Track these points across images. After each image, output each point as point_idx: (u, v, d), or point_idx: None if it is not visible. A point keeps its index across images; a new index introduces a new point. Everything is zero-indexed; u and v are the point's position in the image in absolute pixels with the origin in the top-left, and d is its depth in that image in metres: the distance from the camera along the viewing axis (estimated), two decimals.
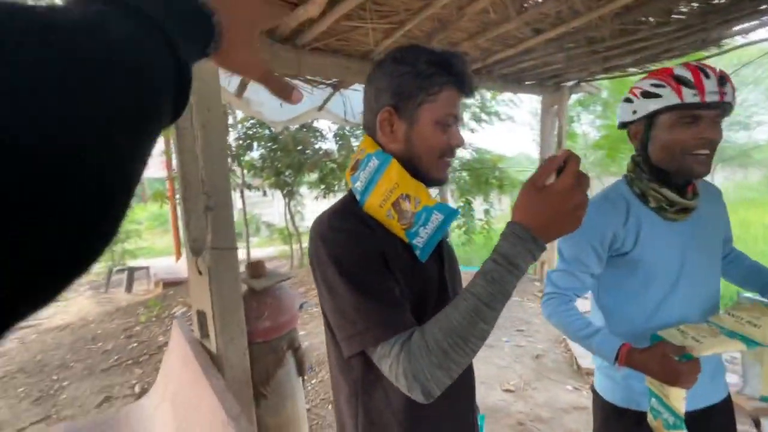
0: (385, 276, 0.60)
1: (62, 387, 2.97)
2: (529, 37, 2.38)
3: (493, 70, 2.90)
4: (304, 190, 7.32)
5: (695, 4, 2.23)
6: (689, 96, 0.82)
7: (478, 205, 7.88)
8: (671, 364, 0.79)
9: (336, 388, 0.74)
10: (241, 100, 2.36)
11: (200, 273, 1.65)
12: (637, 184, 0.94)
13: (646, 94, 0.87)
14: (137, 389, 2.83)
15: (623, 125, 0.97)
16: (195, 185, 1.66)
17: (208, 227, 1.59)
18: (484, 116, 8.11)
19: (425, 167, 0.67)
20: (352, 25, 1.87)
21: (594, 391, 1.06)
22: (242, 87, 2.32)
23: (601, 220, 0.93)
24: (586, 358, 2.60)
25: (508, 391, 2.36)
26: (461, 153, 8.07)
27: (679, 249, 0.92)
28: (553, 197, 0.50)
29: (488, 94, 7.61)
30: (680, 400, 0.80)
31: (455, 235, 8.16)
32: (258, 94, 2.41)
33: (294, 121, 2.82)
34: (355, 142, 6.51)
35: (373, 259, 0.60)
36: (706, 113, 0.84)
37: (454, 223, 8.02)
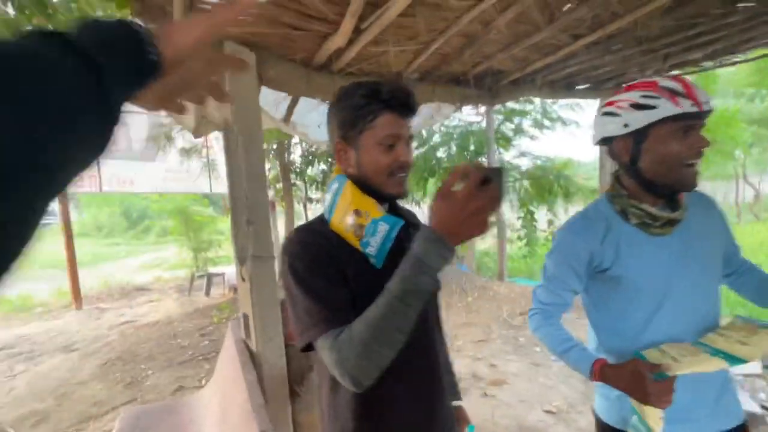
0: (332, 281, 0.68)
1: (147, 375, 3.45)
2: (568, 44, 2.30)
3: (536, 78, 2.82)
4: None
5: None
6: (687, 106, 0.81)
7: (543, 215, 7.48)
8: (641, 381, 0.78)
9: (319, 382, 0.83)
10: (288, 125, 2.61)
11: (243, 280, 1.86)
12: (618, 201, 0.93)
13: (638, 106, 0.85)
14: (204, 382, 3.19)
15: (605, 140, 0.94)
16: (240, 201, 1.89)
17: (250, 239, 1.79)
18: (546, 122, 7.70)
19: (377, 185, 0.75)
20: (379, 50, 2.00)
21: (593, 412, 1.02)
22: (289, 112, 2.56)
23: (577, 239, 0.94)
24: None
25: (549, 412, 2.24)
26: (520, 162, 7.76)
27: (666, 264, 0.88)
28: (455, 204, 0.56)
29: (548, 100, 7.25)
30: (656, 419, 0.77)
31: (515, 247, 7.82)
32: (303, 117, 2.64)
33: None
34: None
35: (322, 267, 0.69)
36: (698, 123, 0.84)
37: (514, 235, 7.69)
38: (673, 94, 0.81)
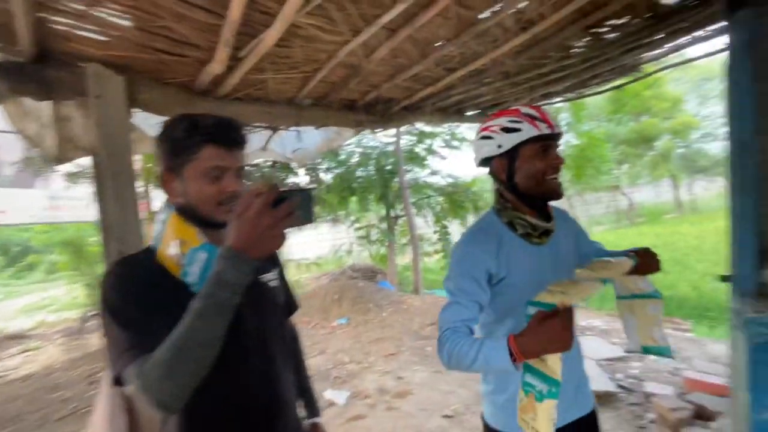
0: (145, 311, 0.68)
1: None
2: (444, 76, 2.57)
3: (424, 106, 3.09)
4: None
5: (587, 40, 2.45)
6: (544, 128, 0.96)
7: (456, 228, 7.98)
8: (549, 324, 0.76)
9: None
10: None
11: None
12: (505, 214, 1.03)
13: (507, 130, 0.97)
14: None
15: (485, 161, 1.06)
16: (111, 229, 1.76)
17: None
18: (455, 143, 8.32)
19: (205, 214, 0.77)
20: (262, 77, 2.04)
21: (482, 419, 1.10)
22: None
23: (476, 250, 0.99)
24: None
25: (446, 416, 2.37)
26: (435, 180, 8.27)
27: (545, 269, 1.01)
28: (247, 221, 0.59)
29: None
30: (557, 362, 0.78)
31: (434, 261, 8.20)
32: None
33: None
34: (323, 175, 6.72)
35: (135, 297, 0.69)
36: (554, 143, 1.00)
37: (431, 248, 8.09)
38: (532, 119, 0.96)
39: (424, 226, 7.97)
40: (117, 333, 0.67)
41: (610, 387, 2.60)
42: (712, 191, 18.58)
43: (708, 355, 3.07)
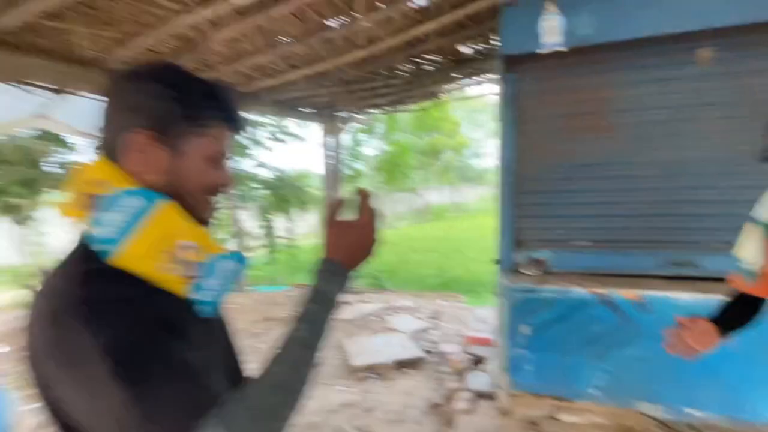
0: (176, 348, 0.48)
1: None
2: (286, 71, 2.58)
3: (260, 96, 3.00)
4: (45, 214, 5.52)
5: (409, 66, 2.94)
6: None
7: (281, 223, 7.90)
8: None
9: None
10: None
11: None
12: None
13: None
14: None
15: None
16: None
17: None
18: (280, 136, 8.20)
19: (191, 205, 0.57)
20: (62, 26, 1.58)
21: None
22: None
23: None
24: (358, 356, 2.98)
25: None
26: (261, 172, 7.93)
27: None
28: (358, 232, 0.59)
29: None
30: None
31: (257, 256, 7.91)
32: None
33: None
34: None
35: (159, 330, 0.48)
36: None
37: (256, 243, 7.77)
38: None
39: (248, 220, 7.60)
40: (151, 389, 0.44)
41: (420, 353, 3.20)
42: (476, 196, 24.58)
43: (478, 318, 4.15)
